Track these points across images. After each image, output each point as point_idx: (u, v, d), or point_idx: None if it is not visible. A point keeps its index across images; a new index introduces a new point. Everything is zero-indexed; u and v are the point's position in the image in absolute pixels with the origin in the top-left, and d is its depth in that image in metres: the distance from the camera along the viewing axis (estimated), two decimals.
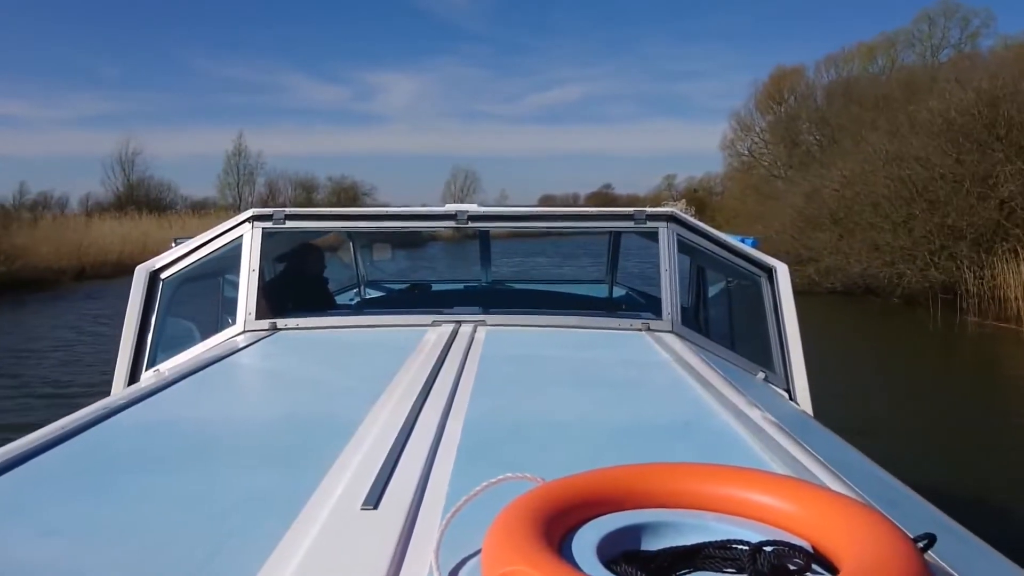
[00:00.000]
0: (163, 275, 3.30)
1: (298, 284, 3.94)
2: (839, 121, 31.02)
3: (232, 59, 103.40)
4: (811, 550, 1.01)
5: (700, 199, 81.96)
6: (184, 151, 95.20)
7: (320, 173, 67.63)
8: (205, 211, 47.47)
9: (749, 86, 56.77)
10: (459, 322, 3.09)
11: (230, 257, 3.30)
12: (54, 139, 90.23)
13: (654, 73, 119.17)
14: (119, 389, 2.98)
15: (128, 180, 58.80)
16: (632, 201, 65.36)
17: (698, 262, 3.78)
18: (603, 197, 78.81)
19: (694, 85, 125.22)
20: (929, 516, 1.47)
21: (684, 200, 71.60)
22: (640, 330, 3.11)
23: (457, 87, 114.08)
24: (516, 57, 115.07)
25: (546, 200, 74.06)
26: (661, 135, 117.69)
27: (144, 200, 53.92)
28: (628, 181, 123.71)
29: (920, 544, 0.99)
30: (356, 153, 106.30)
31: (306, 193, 61.31)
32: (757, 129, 43.34)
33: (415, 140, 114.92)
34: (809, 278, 20.74)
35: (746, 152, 44.69)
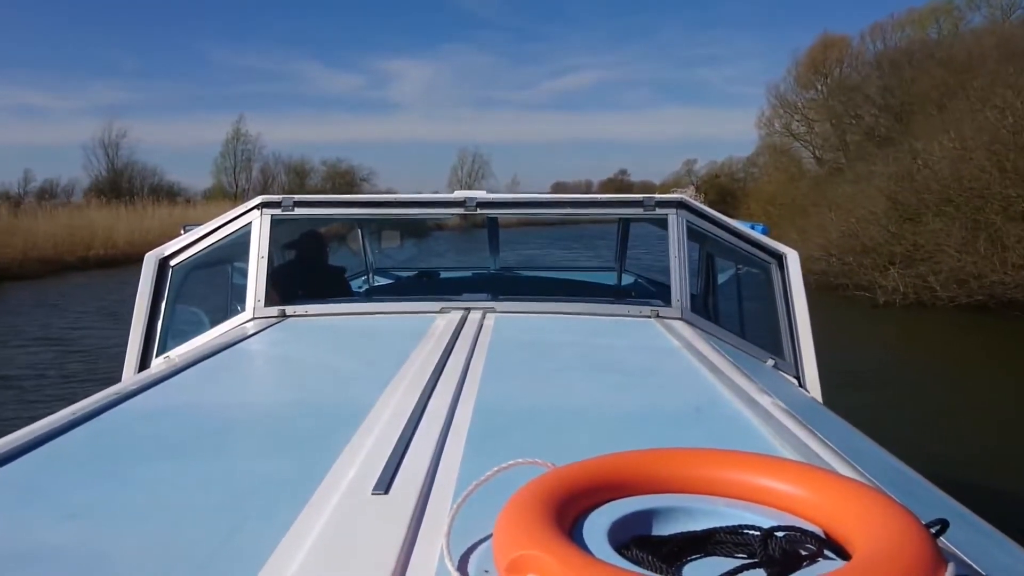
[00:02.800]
0: (172, 262, 3.35)
1: (308, 272, 3.98)
2: (918, 88, 25.06)
3: (247, 49, 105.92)
4: (823, 535, 1.03)
5: (722, 185, 76.92)
6: (198, 140, 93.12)
7: (329, 160, 64.77)
8: (174, 200, 41.83)
9: (789, 56, 51.15)
10: (468, 309, 3.13)
11: (239, 244, 3.36)
12: (69, 128, 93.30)
13: (670, 59, 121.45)
14: (130, 375, 3.05)
15: (112, 166, 56.26)
16: (646, 188, 64.91)
17: (707, 249, 3.79)
18: (617, 184, 75.52)
19: (711, 71, 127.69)
20: (941, 503, 1.48)
21: (694, 187, 66.96)
22: (649, 317, 3.13)
23: (471, 74, 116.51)
24: (530, 44, 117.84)
25: (558, 187, 72.04)
26: (677, 121, 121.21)
27: (127, 187, 51.22)
28: (645, 168, 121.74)
29: (933, 530, 1.00)
30: (369, 141, 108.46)
31: (299, 179, 55.91)
32: (802, 102, 37.40)
33: (429, 128, 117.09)
34: (923, 285, 14.87)
35: (784, 130, 39.01)
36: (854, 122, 32.09)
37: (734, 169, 76.63)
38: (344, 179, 60.19)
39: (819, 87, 39.22)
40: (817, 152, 38.66)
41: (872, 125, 30.61)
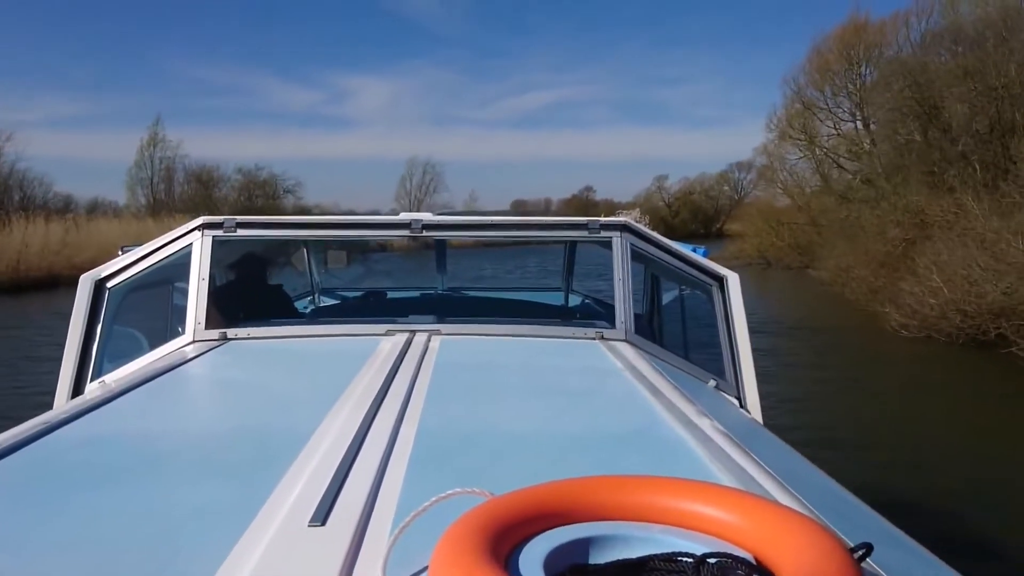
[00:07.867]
0: (109, 284, 3.24)
1: (250, 293, 3.88)
2: None
3: (206, 61, 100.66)
4: (753, 561, 1.05)
5: (695, 202, 68.39)
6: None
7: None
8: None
9: (811, 39, 43.81)
10: (414, 331, 3.07)
11: (179, 265, 3.27)
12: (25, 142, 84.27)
13: (632, 78, 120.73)
14: (62, 402, 2.93)
15: None
16: (609, 206, 62.86)
17: (652, 271, 3.86)
18: (581, 202, 69.55)
19: (672, 91, 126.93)
20: (872, 524, 1.51)
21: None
22: (594, 339, 3.13)
23: (431, 91, 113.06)
24: (491, 61, 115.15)
25: (518, 204, 67.92)
26: (639, 141, 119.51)
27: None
28: (612, 186, 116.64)
29: (858, 554, 1.03)
30: (323, 158, 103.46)
31: (204, 189, 44.87)
32: (848, 88, 29.54)
33: (387, 145, 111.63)
34: None
35: (802, 132, 31.20)
36: (932, 117, 23.82)
37: (707, 185, 68.87)
38: (263, 190, 52.06)
39: (854, 77, 31.18)
40: (840, 159, 30.97)
41: (966, 115, 22.34)
